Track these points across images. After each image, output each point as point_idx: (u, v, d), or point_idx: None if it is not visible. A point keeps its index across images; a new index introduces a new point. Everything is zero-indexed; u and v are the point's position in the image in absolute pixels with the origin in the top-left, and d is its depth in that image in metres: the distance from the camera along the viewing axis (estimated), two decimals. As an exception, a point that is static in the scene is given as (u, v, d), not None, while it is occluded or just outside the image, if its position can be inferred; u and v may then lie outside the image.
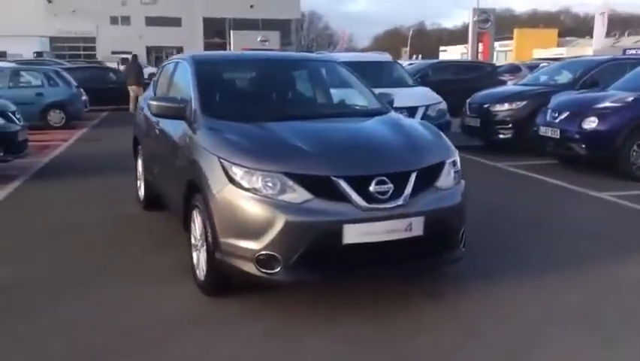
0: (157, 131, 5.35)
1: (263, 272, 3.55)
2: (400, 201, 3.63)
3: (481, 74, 17.47)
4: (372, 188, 3.58)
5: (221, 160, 3.74)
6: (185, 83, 4.93)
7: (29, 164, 9.19)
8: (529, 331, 3.57)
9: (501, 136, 10.26)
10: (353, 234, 3.53)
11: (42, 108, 14.31)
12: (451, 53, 59.61)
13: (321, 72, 5.58)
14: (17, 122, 8.25)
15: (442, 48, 65.75)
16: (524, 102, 10.15)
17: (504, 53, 55.95)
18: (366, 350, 3.36)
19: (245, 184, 3.60)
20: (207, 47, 54.92)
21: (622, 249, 5.10)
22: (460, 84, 15.30)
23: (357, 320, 3.69)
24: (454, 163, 4.10)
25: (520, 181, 8.20)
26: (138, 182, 6.58)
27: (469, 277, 4.37)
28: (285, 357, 3.30)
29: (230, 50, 54.67)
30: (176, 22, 58.30)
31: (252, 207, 3.55)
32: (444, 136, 4.37)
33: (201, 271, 4.03)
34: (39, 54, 40.69)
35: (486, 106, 10.49)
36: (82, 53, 54.34)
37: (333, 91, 5.45)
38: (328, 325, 3.64)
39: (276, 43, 54.74)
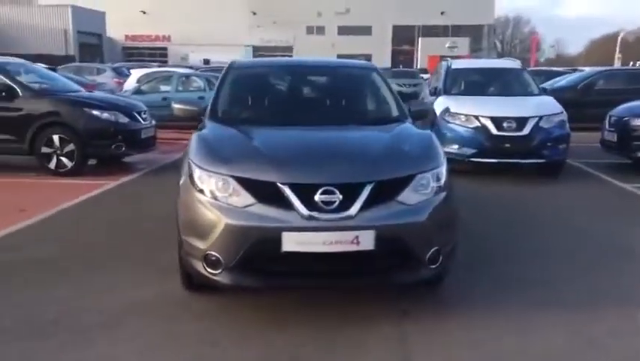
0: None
1: (208, 272, 3.62)
2: (348, 213, 3.46)
3: (663, 83, 15.43)
4: (317, 197, 3.46)
5: (189, 161, 3.89)
6: (220, 87, 5.18)
7: (160, 159, 10.18)
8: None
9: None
10: (292, 242, 3.44)
11: (202, 110, 15.63)
12: (677, 60, 52.73)
13: (348, 80, 5.43)
14: (142, 121, 9.20)
15: (666, 54, 58.62)
16: (669, 117, 8.84)
17: None
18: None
19: (201, 186, 3.69)
20: (394, 54, 55.56)
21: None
22: (636, 95, 13.64)
23: (303, 332, 3.60)
24: (437, 177, 3.79)
25: (631, 205, 7.19)
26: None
27: (464, 304, 4.02)
28: None
29: (417, 57, 54.68)
30: (366, 30, 59.80)
31: (201, 209, 3.63)
32: (433, 148, 4.07)
33: (183, 266, 4.20)
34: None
35: (625, 119, 9.30)
36: (280, 61, 58.12)
37: (354, 99, 5.28)
38: (267, 334, 3.58)
39: (464, 49, 53.44)
